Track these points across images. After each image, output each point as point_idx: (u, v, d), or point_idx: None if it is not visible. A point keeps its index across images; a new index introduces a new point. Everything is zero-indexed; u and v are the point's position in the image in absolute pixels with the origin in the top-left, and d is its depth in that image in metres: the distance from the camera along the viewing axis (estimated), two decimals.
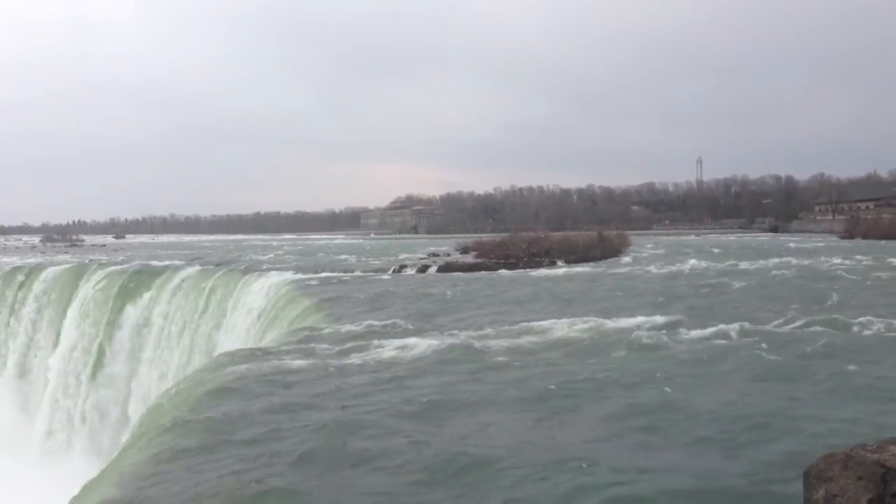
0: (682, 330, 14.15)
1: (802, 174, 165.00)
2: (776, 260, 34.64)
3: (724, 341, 13.08)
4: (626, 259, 38.80)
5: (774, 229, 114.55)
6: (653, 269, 31.24)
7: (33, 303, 36.12)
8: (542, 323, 15.64)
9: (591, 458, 7.29)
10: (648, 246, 53.90)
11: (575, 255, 37.59)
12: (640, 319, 15.27)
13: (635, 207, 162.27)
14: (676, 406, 9.09)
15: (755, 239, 76.64)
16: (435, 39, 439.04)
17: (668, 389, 9.84)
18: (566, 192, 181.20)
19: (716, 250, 47.08)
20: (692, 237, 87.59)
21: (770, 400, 9.29)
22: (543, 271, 31.25)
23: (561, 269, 32.14)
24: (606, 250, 40.82)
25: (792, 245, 51.38)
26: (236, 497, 6.62)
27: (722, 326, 14.13)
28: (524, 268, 33.05)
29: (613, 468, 7.00)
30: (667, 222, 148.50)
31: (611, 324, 14.99)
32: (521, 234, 45.62)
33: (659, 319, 15.21)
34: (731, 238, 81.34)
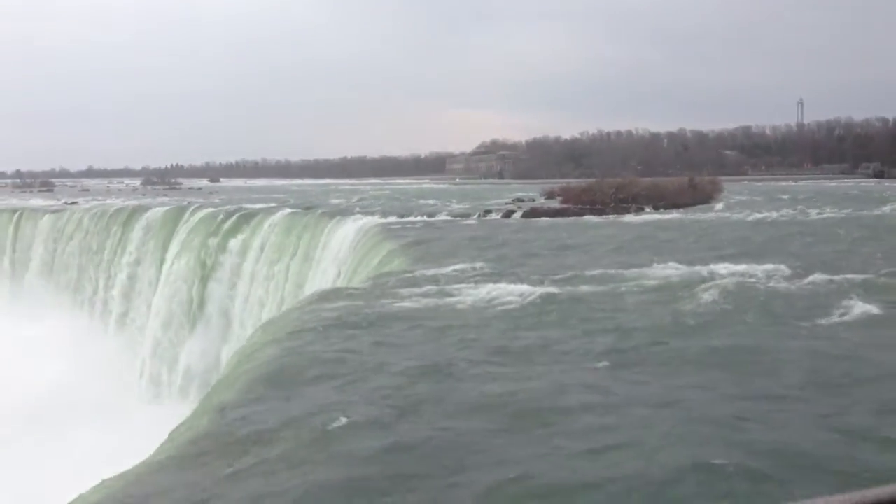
0: (772, 278, 13.72)
1: None
2: (879, 209, 32.91)
3: (813, 289, 12.63)
4: (717, 206, 37.62)
5: (880, 174, 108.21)
6: (744, 216, 30.23)
7: (136, 243, 38.01)
8: (628, 270, 15.44)
9: (679, 405, 7.26)
10: (742, 192, 52.03)
11: (664, 201, 36.67)
12: (729, 267, 14.87)
13: (729, 152, 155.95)
14: (769, 357, 8.89)
15: (858, 185, 72.79)
16: None
17: (757, 339, 9.63)
18: (656, 137, 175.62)
19: (813, 197, 45.04)
20: (790, 183, 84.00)
21: (863, 350, 8.98)
22: (631, 217, 30.70)
23: (649, 216, 31.49)
24: (697, 196, 39.66)
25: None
26: (322, 431, 6.93)
27: (815, 276, 13.63)
28: (611, 214, 32.54)
29: (703, 418, 6.96)
30: (763, 167, 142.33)
31: (699, 271, 14.66)
32: (608, 179, 44.77)
33: (747, 268, 14.77)
34: (832, 184, 77.53)
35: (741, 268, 14.75)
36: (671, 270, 15.01)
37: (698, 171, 74.30)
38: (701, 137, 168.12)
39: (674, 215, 31.37)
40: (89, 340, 35.13)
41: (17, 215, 45.12)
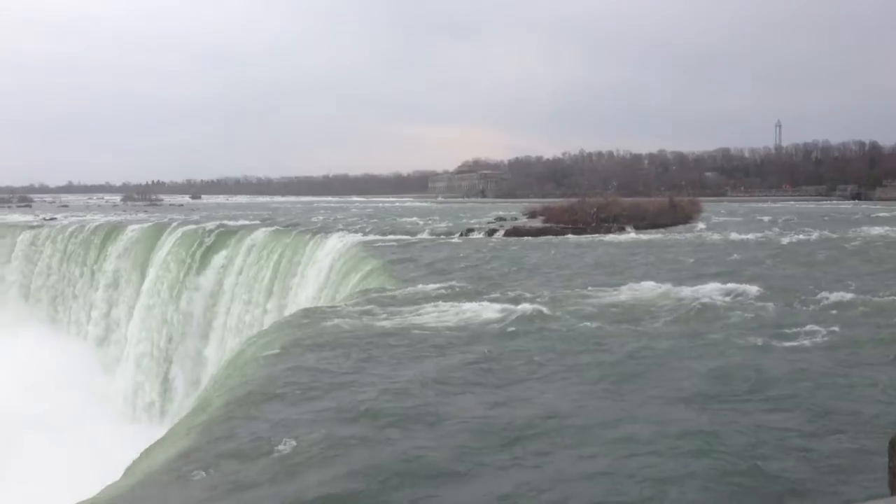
0: (751, 298, 13.88)
1: (888, 140, 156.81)
2: (856, 229, 33.37)
3: (795, 310, 12.78)
4: (698, 226, 37.97)
5: (857, 196, 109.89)
6: (724, 236, 30.52)
7: (115, 260, 37.68)
8: (609, 289, 15.55)
9: (662, 421, 7.30)
10: (721, 213, 52.56)
11: (645, 221, 36.95)
12: (709, 287, 15.00)
13: (709, 174, 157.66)
14: (757, 375, 8.97)
15: (836, 207, 73.79)
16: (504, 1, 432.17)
17: (742, 359, 9.71)
18: (637, 158, 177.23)
19: (792, 218, 45.59)
20: (769, 204, 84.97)
21: (846, 368, 9.08)
22: (612, 237, 30.90)
23: (630, 235, 31.70)
24: (678, 217, 40.01)
25: (875, 214, 49.30)
26: (298, 450, 6.89)
27: (795, 296, 13.79)
28: (592, 233, 32.72)
29: (686, 432, 7.00)
30: (742, 189, 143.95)
31: (680, 291, 14.78)
32: (590, 199, 45.06)
33: (729, 287, 14.91)
34: (810, 206, 78.54)
35: (719, 287, 14.89)
36: (649, 290, 15.12)
37: (679, 191, 75.18)
38: (681, 158, 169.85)
39: (654, 235, 31.61)
40: (66, 357, 34.67)
41: None
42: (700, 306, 13.12)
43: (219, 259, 32.45)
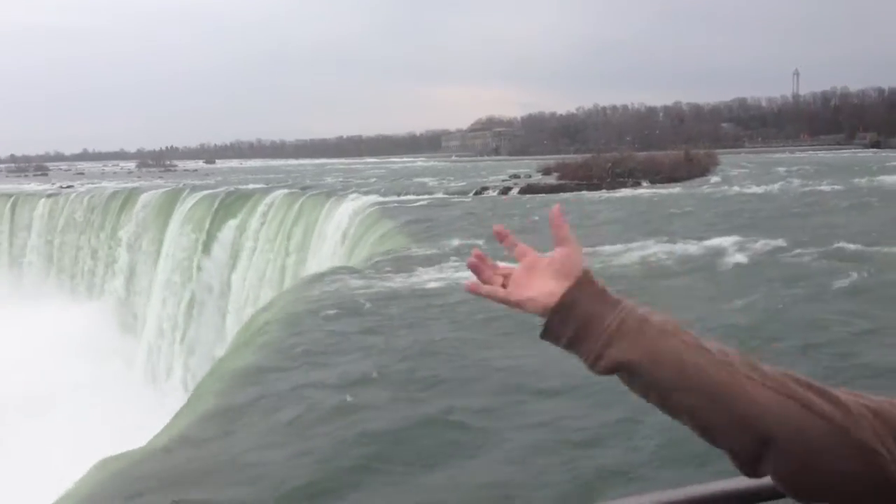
0: (769, 251, 13.76)
1: None
2: (871, 178, 32.90)
3: (815, 261, 12.67)
4: (714, 179, 37.59)
5: (876, 145, 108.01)
6: (741, 188, 30.21)
7: (132, 226, 37.92)
8: (623, 245, 15.48)
9: None
10: (738, 165, 51.96)
11: (660, 175, 36.62)
12: (723, 240, 14.88)
13: (725, 125, 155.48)
14: (780, 326, 8.94)
15: (854, 155, 72.71)
16: None
17: (760, 312, 9.67)
18: (651, 111, 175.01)
19: (809, 168, 45.00)
20: (786, 154, 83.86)
21: (863, 320, 9.03)
22: (627, 192, 30.69)
23: (645, 190, 31.48)
24: (693, 170, 39.59)
25: (891, 163, 48.56)
26: (318, 410, 6.97)
27: (810, 249, 13.66)
28: (607, 189, 32.50)
29: None
30: (759, 140, 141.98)
31: (693, 245, 14.69)
32: (605, 154, 44.67)
33: (744, 240, 14.79)
34: (829, 155, 77.44)
35: (736, 240, 14.77)
36: (664, 245, 15.04)
37: (694, 144, 74.16)
38: (697, 110, 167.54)
39: (670, 189, 31.35)
40: (87, 323, 35.17)
41: (12, 200, 44.94)
42: (716, 261, 13.04)
43: (233, 223, 32.56)
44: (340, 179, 49.75)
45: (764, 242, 14.54)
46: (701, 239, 15.39)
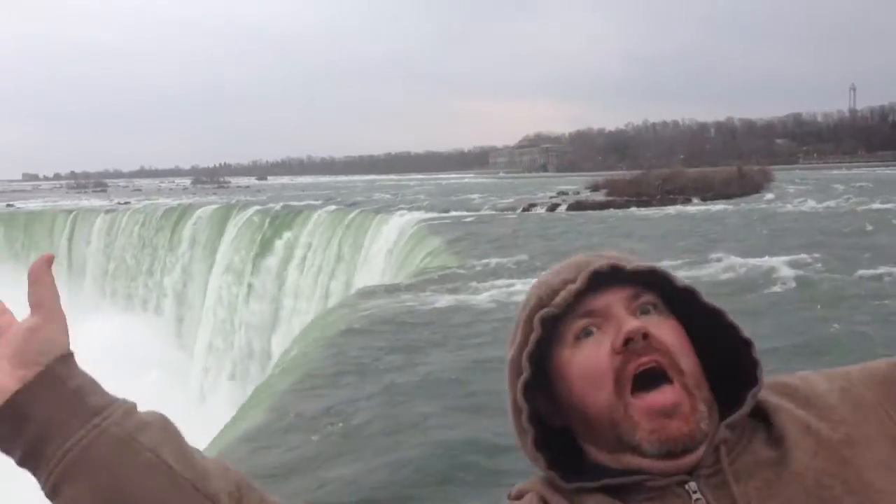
0: (827, 271, 13.39)
1: None
2: None
3: (871, 283, 12.29)
4: (767, 195, 36.81)
5: None
6: (797, 205, 29.53)
7: (186, 241, 38.80)
8: (674, 262, 15.24)
9: None
10: (793, 181, 50.82)
11: (712, 191, 36.03)
12: (781, 259, 14.54)
13: (779, 141, 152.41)
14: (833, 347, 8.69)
15: None
16: None
17: (820, 334, 9.41)
18: (703, 126, 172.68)
19: (868, 185, 43.75)
20: (843, 171, 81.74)
21: None
22: (677, 208, 30.27)
23: (696, 207, 30.99)
24: (746, 186, 38.85)
25: None
26: (365, 427, 7.00)
27: (868, 270, 13.25)
28: (657, 205, 32.11)
29: None
30: (815, 156, 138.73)
31: (749, 263, 14.37)
32: (654, 170, 44.18)
33: (803, 259, 14.44)
34: (887, 172, 75.24)
35: (792, 259, 14.42)
36: (717, 263, 14.75)
37: (747, 160, 72.93)
38: (750, 126, 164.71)
39: (722, 206, 30.80)
40: (143, 337, 36.00)
41: (72, 215, 46.41)
42: (769, 280, 12.73)
43: (284, 239, 33.08)
44: (389, 195, 50.17)
45: (820, 261, 14.18)
46: (754, 257, 15.06)
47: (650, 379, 0.91)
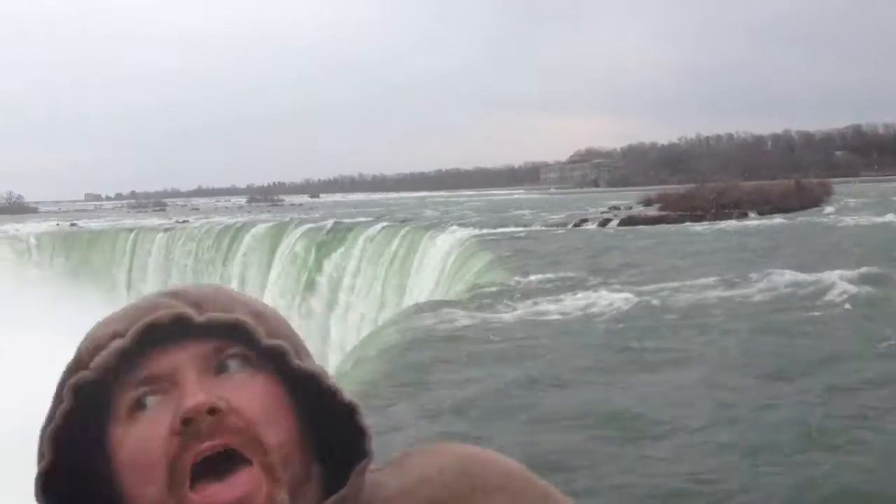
0: (888, 287, 12.95)
1: None
2: None
3: None
4: (828, 209, 35.83)
5: None
6: (858, 219, 28.65)
7: (240, 258, 39.60)
8: (731, 277, 14.92)
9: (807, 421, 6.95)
10: (854, 194, 49.37)
11: (769, 205, 35.22)
12: (837, 274, 14.09)
13: (839, 153, 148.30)
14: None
15: None
16: None
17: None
18: (759, 139, 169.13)
19: None
20: None
21: None
22: (733, 223, 29.67)
23: (752, 221, 30.33)
24: (805, 200, 37.86)
25: None
26: (420, 442, 6.99)
27: None
28: (711, 220, 31.51)
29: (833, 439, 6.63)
30: (877, 168, 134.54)
31: (805, 279, 13.98)
32: (709, 184, 43.42)
33: (862, 274, 13.96)
34: None
35: (856, 274, 13.97)
36: (778, 278, 14.39)
37: (806, 173, 71.14)
38: (808, 138, 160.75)
39: (779, 220, 30.07)
40: None
41: (133, 234, 47.81)
42: (838, 296, 12.35)
43: (336, 256, 33.48)
44: (440, 212, 50.39)
45: (880, 277, 13.71)
46: (809, 272, 14.65)
47: (222, 462, 0.71)
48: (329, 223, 38.61)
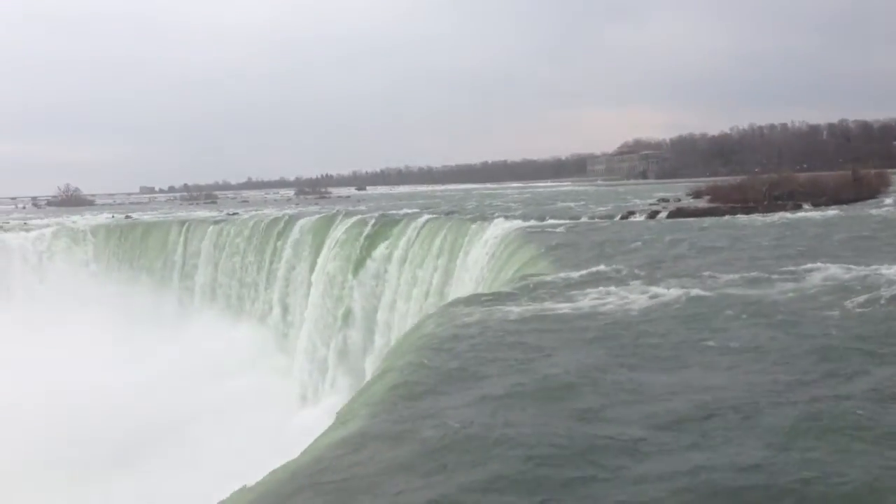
0: None
1: None
2: None
3: None
4: (887, 201, 34.71)
5: None
6: None
7: (290, 250, 40.14)
8: (784, 272, 14.57)
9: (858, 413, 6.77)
10: None
11: (824, 197, 34.28)
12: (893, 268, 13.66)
13: None
14: None
15: None
16: None
17: None
18: (814, 129, 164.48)
19: None
20: None
21: None
22: (786, 215, 28.93)
23: (807, 213, 29.57)
24: (862, 191, 36.72)
25: None
26: (470, 436, 7.00)
27: None
28: (764, 212, 30.78)
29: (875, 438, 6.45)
30: None
31: (869, 273, 13.57)
32: (761, 176, 42.44)
33: None
34: None
35: None
36: (834, 273, 14.00)
37: (863, 163, 68.98)
38: (865, 128, 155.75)
39: (835, 212, 29.24)
40: (249, 342, 37.47)
41: (185, 226, 48.85)
42: (881, 288, 11.97)
43: (382, 248, 33.69)
44: (486, 204, 50.26)
45: None
46: (863, 265, 14.23)
47: None
48: (376, 215, 38.86)
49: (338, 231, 37.80)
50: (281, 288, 39.39)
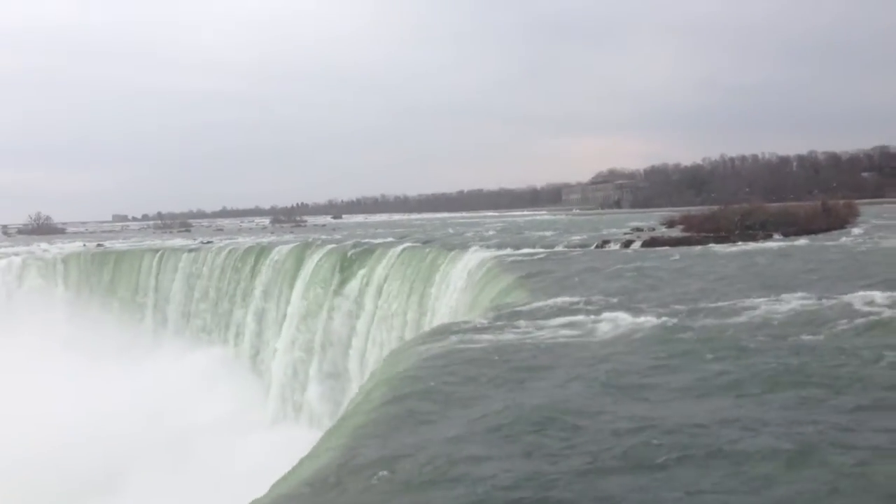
0: None
1: None
2: None
3: None
4: (855, 231, 35.40)
5: None
6: (886, 241, 28.27)
7: (265, 279, 39.91)
8: (756, 300, 14.79)
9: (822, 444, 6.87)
10: (881, 216, 48.77)
11: (794, 227, 34.86)
12: (866, 295, 13.92)
13: (866, 174, 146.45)
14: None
15: None
16: (636, 4, 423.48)
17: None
18: (784, 160, 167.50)
19: None
20: None
21: None
22: (758, 245, 29.39)
23: (778, 243, 30.03)
24: (831, 222, 37.44)
25: None
26: (440, 466, 7.00)
27: None
28: (736, 241, 31.24)
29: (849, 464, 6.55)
30: None
31: (836, 301, 13.83)
32: (733, 206, 43.07)
33: (885, 294, 13.79)
34: None
35: (885, 296, 13.80)
36: (799, 301, 14.25)
37: (832, 194, 70.41)
38: (834, 159, 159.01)
39: (805, 241, 29.76)
40: (223, 369, 37.08)
41: (159, 254, 48.38)
42: (864, 318, 12.19)
43: (358, 276, 33.63)
44: (462, 233, 50.45)
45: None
46: (832, 294, 14.50)
47: None
48: (351, 243, 38.81)
49: (313, 259, 37.70)
50: (255, 316, 39.09)
